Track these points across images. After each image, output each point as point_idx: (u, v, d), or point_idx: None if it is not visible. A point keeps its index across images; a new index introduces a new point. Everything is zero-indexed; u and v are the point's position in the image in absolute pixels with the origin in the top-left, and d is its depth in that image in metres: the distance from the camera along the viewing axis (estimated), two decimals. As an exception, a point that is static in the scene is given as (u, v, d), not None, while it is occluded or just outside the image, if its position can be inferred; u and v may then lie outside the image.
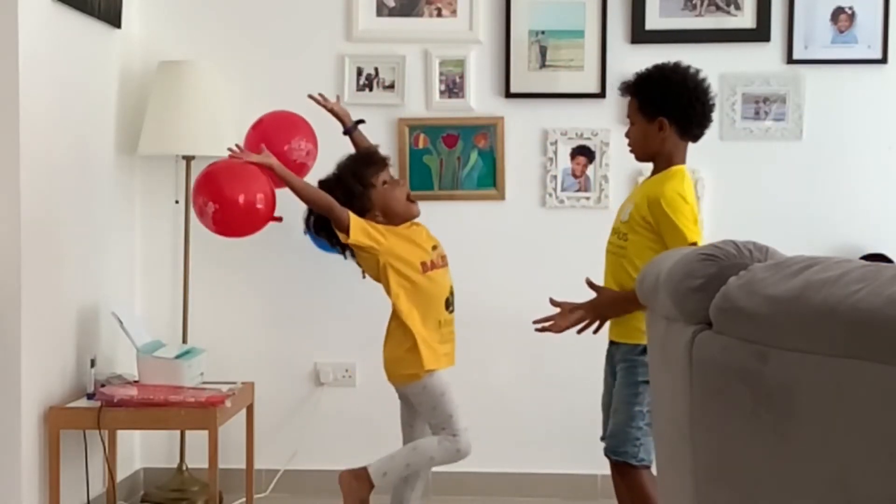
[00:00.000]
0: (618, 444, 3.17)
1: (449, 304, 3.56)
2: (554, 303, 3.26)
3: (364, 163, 3.59)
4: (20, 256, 3.46)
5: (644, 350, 3.08)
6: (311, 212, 3.60)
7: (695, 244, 3.03)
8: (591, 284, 3.26)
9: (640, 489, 3.15)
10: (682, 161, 3.29)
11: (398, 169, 4.43)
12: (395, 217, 3.56)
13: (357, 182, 3.54)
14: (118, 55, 4.27)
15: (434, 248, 3.57)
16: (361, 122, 3.82)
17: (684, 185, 3.20)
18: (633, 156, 3.37)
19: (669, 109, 3.20)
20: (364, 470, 3.43)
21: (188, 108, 4.22)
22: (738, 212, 4.33)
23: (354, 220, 3.45)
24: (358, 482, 3.42)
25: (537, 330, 3.25)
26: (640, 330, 3.14)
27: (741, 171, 4.38)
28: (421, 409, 3.51)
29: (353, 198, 3.51)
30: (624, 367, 3.22)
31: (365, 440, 4.49)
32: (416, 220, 3.62)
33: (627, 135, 3.33)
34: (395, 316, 3.55)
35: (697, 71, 3.27)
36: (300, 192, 3.50)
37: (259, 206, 3.84)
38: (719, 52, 4.36)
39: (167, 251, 4.48)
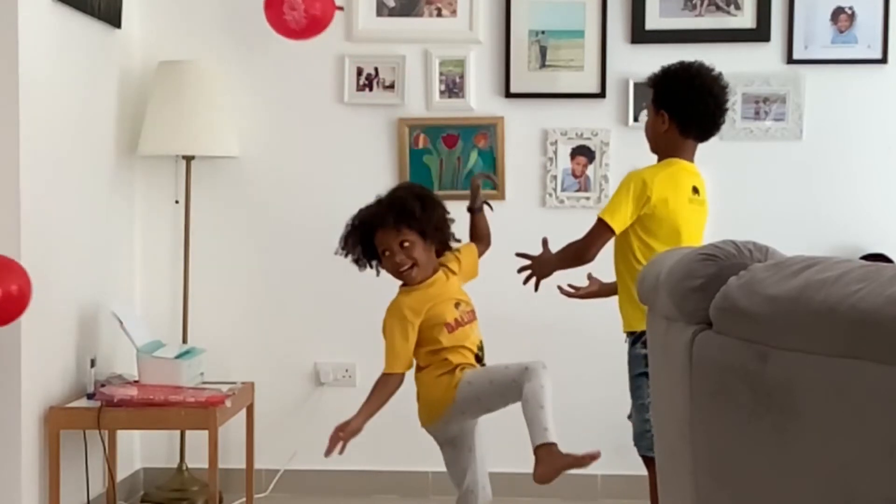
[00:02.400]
0: (635, 437, 3.36)
1: (479, 360, 3.36)
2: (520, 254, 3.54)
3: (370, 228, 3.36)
4: (20, 256, 3.46)
5: (637, 340, 3.27)
6: (345, 248, 3.41)
7: (601, 221, 3.31)
8: (543, 243, 3.51)
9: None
10: (687, 158, 3.38)
11: (398, 169, 4.44)
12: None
13: (365, 247, 3.39)
14: (118, 55, 4.27)
15: (458, 304, 3.35)
16: (487, 204, 3.61)
17: (659, 175, 3.31)
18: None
19: (671, 105, 3.32)
20: (546, 447, 3.17)
21: (188, 108, 4.22)
22: (738, 212, 4.32)
23: (395, 362, 3.32)
24: (550, 455, 3.16)
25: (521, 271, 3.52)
26: (631, 317, 3.33)
27: (741, 171, 4.39)
28: (483, 397, 3.26)
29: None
30: (627, 361, 3.38)
31: (365, 440, 4.49)
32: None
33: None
34: (419, 368, 3.39)
35: (717, 76, 3.37)
36: (377, 410, 3.35)
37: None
38: (719, 52, 4.34)
39: (167, 251, 4.48)
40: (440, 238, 3.37)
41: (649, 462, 3.31)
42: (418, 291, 3.33)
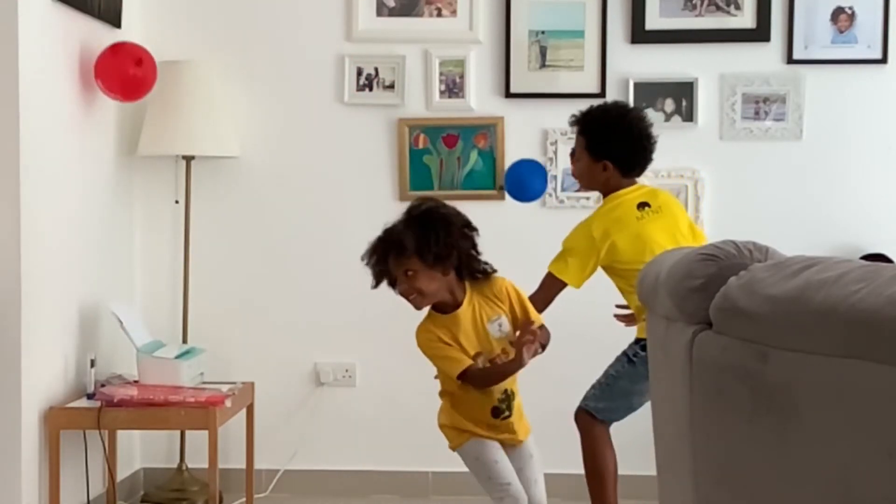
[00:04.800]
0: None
1: (500, 412, 3.11)
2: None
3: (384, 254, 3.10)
4: (20, 257, 3.46)
5: (637, 340, 3.47)
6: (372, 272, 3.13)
7: (550, 273, 3.46)
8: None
9: (588, 442, 3.52)
10: (628, 186, 3.52)
11: (398, 169, 4.44)
12: None
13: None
14: (118, 55, 4.27)
15: (477, 356, 3.08)
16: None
17: (597, 226, 3.45)
18: None
19: (614, 154, 3.46)
20: None
21: (188, 108, 4.22)
22: (738, 212, 4.33)
23: (458, 365, 3.07)
24: None
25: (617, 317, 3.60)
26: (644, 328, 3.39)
27: (741, 171, 4.39)
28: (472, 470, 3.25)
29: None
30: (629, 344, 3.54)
31: (365, 440, 4.50)
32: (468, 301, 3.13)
33: (572, 163, 3.61)
34: (441, 391, 3.24)
35: (643, 116, 3.55)
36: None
37: None
38: (719, 52, 4.36)
39: (167, 251, 4.48)
40: (453, 260, 3.06)
41: (582, 420, 3.52)
42: (443, 324, 3.10)
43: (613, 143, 3.46)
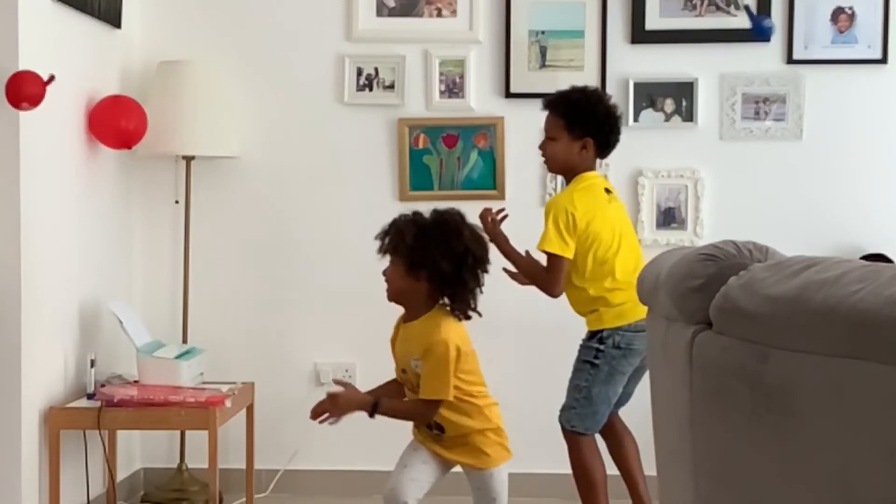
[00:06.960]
0: (562, 409, 3.63)
1: (430, 427, 3.24)
2: None
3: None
4: (20, 257, 3.46)
5: (592, 336, 3.55)
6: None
7: (547, 253, 3.52)
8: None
9: (576, 454, 3.57)
10: (593, 169, 3.64)
11: (398, 169, 4.44)
12: None
13: None
14: (118, 55, 4.27)
15: (404, 371, 3.24)
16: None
17: (576, 200, 3.52)
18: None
19: (596, 132, 3.56)
20: None
21: (188, 108, 4.22)
22: (738, 212, 4.33)
23: None
24: None
25: None
26: (596, 320, 3.56)
27: (741, 171, 4.39)
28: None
29: None
30: (579, 348, 3.62)
31: (365, 440, 4.49)
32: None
33: (542, 147, 3.66)
34: None
35: (611, 98, 3.71)
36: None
37: None
38: (719, 52, 4.36)
39: (167, 251, 4.48)
40: (426, 273, 3.11)
41: (569, 435, 3.57)
42: (400, 322, 3.32)
43: (595, 120, 3.56)
